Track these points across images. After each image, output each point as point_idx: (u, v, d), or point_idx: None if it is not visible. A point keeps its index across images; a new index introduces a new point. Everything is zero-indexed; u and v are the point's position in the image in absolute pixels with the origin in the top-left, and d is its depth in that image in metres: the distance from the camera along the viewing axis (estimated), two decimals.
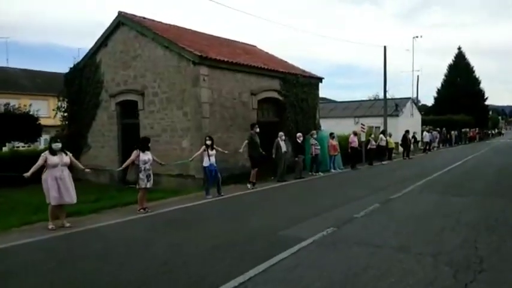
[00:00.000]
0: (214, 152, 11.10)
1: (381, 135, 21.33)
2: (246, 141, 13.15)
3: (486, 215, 7.53)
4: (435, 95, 66.11)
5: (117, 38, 17.43)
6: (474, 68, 64.40)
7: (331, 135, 17.61)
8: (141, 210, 8.95)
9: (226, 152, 12.44)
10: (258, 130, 13.09)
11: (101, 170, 17.50)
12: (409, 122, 31.67)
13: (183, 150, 15.06)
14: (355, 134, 18.68)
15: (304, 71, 20.96)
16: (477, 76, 64.42)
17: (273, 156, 14.37)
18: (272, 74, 17.93)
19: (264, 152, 13.69)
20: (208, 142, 11.03)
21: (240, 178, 15.45)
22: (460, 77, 63.34)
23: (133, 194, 10.32)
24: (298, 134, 15.40)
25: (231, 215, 8.61)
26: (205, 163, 10.88)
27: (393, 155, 24.70)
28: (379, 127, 29.07)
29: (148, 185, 9.06)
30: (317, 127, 21.14)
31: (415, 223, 6.98)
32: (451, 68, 65.96)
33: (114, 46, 17.60)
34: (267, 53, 22.69)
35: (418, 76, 37.75)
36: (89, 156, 18.74)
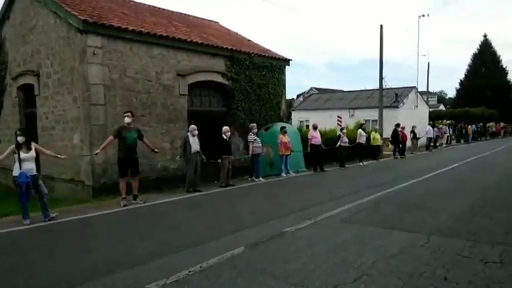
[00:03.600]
0: (31, 154, 7.27)
1: (360, 130, 17.19)
2: (111, 137, 9.42)
3: None
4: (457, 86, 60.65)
5: (17, 7, 14.08)
6: (501, 58, 58.23)
7: (283, 129, 13.71)
8: None
9: (62, 157, 8.44)
10: (128, 120, 9.28)
11: (8, 169, 14.24)
12: (413, 115, 27.23)
13: (74, 148, 11.57)
14: (315, 128, 14.68)
15: (266, 50, 17.09)
16: (504, 66, 58.26)
17: (178, 157, 10.66)
18: (211, 51, 14.13)
19: (156, 150, 10.00)
20: (20, 139, 7.24)
21: (157, 184, 11.87)
22: (485, 67, 57.48)
23: None
24: (225, 128, 11.55)
25: None
26: (15, 171, 7.13)
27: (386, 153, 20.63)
28: (376, 121, 24.87)
29: None
30: (282, 119, 17.29)
31: None
32: (475, 57, 60.07)
33: (15, 18, 14.25)
34: (228, 30, 18.84)
35: (428, 63, 32.68)
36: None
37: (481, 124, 39.23)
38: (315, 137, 14.35)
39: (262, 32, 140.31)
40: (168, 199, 9.56)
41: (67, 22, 11.34)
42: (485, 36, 60.06)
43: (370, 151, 18.89)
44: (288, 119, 23.95)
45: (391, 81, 28.56)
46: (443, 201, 8.13)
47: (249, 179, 12.67)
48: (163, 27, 13.63)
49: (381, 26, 24.26)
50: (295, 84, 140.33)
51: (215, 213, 7.60)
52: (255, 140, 12.45)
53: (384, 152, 21.59)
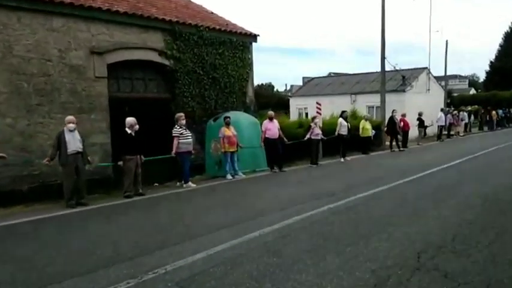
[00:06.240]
0: None
1: (340, 120, 14.06)
2: None
3: None
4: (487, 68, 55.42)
5: None
6: None
7: (226, 119, 10.90)
8: None
9: None
10: None
11: None
12: (424, 100, 23.68)
13: None
14: (270, 118, 11.72)
15: (226, 24, 14.21)
16: None
17: (46, 160, 8.04)
18: (141, 22, 11.45)
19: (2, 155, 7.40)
20: None
21: (54, 192, 9.34)
22: None
23: None
24: (130, 120, 8.80)
25: None
26: None
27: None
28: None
29: None
30: (249, 107, 14.50)
31: None
32: (507, 36, 54.64)
33: None
34: (189, 2, 15.89)
35: (446, 41, 28.64)
36: None
37: (508, 109, 34.77)
38: (269, 129, 11.43)
39: (292, 20, 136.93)
40: (14, 220, 6.93)
41: None
42: None
43: (362, 143, 15.86)
44: (259, 106, 20.65)
45: (408, 66, 24.83)
46: (388, 233, 5.21)
47: (177, 184, 9.99)
48: None
49: None
50: (321, 71, 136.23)
51: (13, 261, 4.89)
52: (181, 134, 9.69)
53: (388, 143, 18.39)
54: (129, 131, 8.68)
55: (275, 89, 73.63)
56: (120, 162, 8.61)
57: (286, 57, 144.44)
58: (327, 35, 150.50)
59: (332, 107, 21.49)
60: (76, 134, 7.82)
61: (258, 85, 70.61)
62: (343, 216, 6.21)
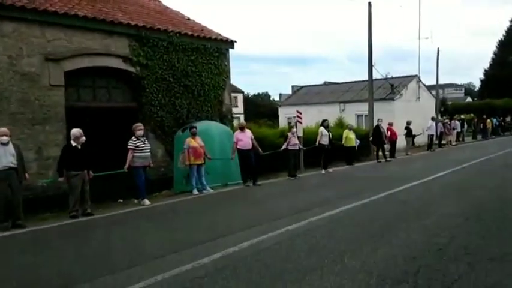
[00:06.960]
0: None
1: (321, 129, 13.31)
2: None
3: None
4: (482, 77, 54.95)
5: None
6: None
7: (192, 130, 10.16)
8: None
9: None
10: None
11: None
12: (414, 108, 23.08)
13: None
14: (241, 128, 10.94)
15: (201, 30, 13.53)
16: None
17: None
18: (104, 27, 10.79)
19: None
20: None
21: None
22: None
23: None
24: (75, 132, 7.96)
25: None
26: None
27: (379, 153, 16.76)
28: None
29: None
30: (226, 116, 13.79)
31: None
32: (501, 44, 54.29)
33: None
34: (165, 7, 15.21)
35: (438, 49, 28.01)
36: None
37: (502, 118, 34.12)
38: (241, 140, 10.65)
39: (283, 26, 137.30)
40: None
41: None
42: (511, 21, 54.17)
43: (346, 154, 15.11)
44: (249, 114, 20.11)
45: (404, 73, 24.12)
46: (343, 263, 4.45)
47: (135, 201, 9.17)
48: None
49: (369, 3, 20.27)
50: (315, 79, 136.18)
51: None
52: (137, 147, 8.88)
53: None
54: (73, 144, 7.89)
55: (271, 98, 73.20)
56: (61, 179, 7.82)
57: (283, 66, 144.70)
58: (322, 43, 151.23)
59: (321, 115, 20.78)
60: (10, 147, 7.03)
61: (255, 94, 70.48)
62: (299, 242, 5.42)
